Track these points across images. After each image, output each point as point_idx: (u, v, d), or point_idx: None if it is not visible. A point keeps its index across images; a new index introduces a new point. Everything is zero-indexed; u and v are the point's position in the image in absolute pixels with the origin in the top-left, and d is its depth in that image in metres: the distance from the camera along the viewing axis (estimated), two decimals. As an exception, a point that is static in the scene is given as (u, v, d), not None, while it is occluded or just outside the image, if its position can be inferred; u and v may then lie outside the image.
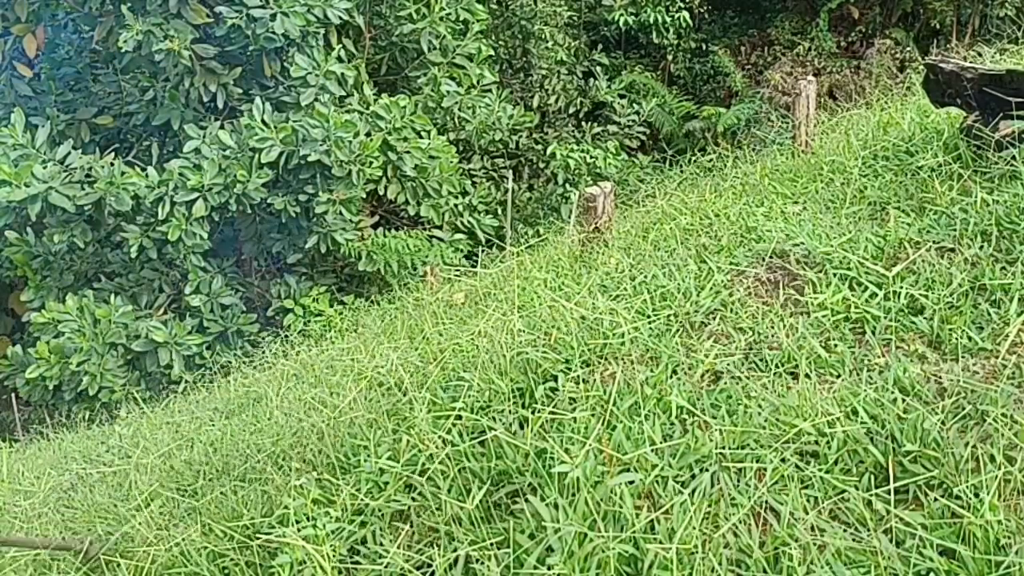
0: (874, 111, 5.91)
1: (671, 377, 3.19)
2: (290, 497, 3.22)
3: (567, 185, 13.14)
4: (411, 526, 3.02)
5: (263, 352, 7.12)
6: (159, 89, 10.44)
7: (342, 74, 10.33)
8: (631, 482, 2.70)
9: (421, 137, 10.54)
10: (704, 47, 16.18)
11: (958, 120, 4.43)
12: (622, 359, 3.32)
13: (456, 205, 11.93)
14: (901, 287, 3.39)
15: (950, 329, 3.15)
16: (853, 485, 2.59)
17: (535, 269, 4.71)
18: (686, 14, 15.05)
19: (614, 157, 13.19)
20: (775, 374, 3.13)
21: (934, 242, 3.65)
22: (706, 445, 2.79)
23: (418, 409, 3.24)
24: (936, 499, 2.50)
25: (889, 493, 2.52)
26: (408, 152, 10.34)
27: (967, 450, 2.59)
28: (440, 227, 11.55)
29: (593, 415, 3.00)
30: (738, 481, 2.67)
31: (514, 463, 2.93)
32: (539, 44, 14.54)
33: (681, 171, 6.71)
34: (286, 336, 8.41)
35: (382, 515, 3.09)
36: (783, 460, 2.71)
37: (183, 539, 3.47)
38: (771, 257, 3.84)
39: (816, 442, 2.76)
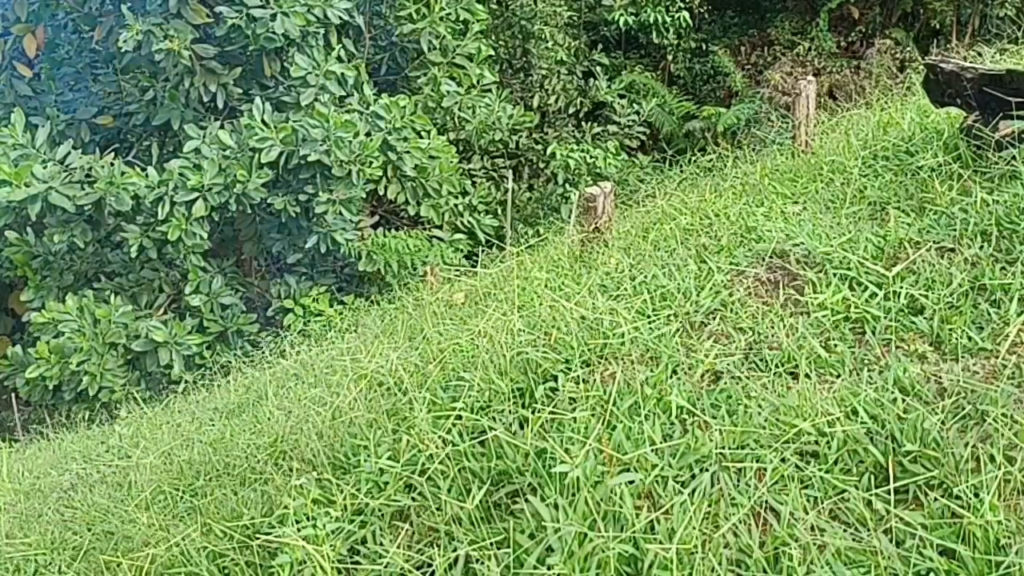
0: (874, 111, 5.91)
1: (671, 377, 3.19)
2: (290, 497, 3.22)
3: (567, 185, 13.15)
4: (411, 526, 3.02)
5: (263, 352, 7.12)
6: (159, 89, 10.45)
7: (342, 74, 10.34)
8: (631, 482, 2.70)
9: (421, 137, 10.54)
10: (704, 47, 16.18)
11: (958, 120, 4.43)
12: (622, 359, 3.32)
13: (456, 205, 11.93)
14: (901, 287, 3.39)
15: (950, 329, 3.15)
16: (853, 485, 2.59)
17: (535, 269, 4.71)
18: (686, 14, 15.05)
19: (614, 157, 13.19)
20: (775, 374, 3.13)
21: (934, 242, 3.65)
22: (706, 445, 2.79)
23: (418, 409, 3.24)
24: (936, 499, 2.50)
25: (889, 493, 2.52)
26: (408, 152, 10.34)
27: (967, 450, 2.59)
28: (440, 227, 11.56)
29: (593, 415, 3.00)
30: (738, 481, 2.67)
31: (514, 463, 2.93)
32: (539, 44, 14.54)
33: (681, 171, 6.71)
34: (286, 336, 8.41)
35: (382, 515, 3.09)
36: (783, 460, 2.71)
37: (183, 539, 3.47)
38: (771, 257, 3.84)
39: (816, 442, 2.76)
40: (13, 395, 9.96)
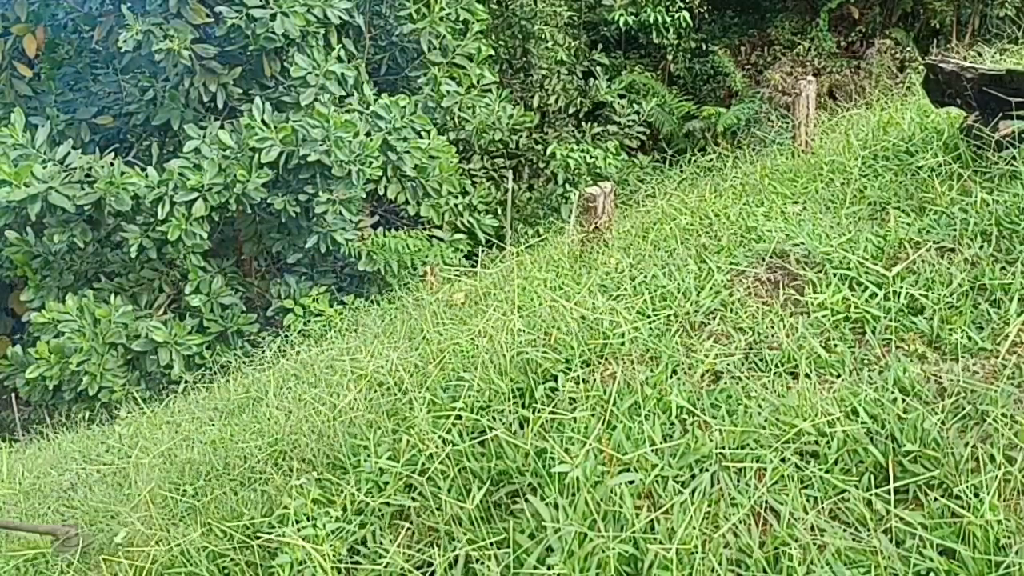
0: (874, 111, 5.91)
1: (671, 377, 3.19)
2: (290, 497, 3.22)
3: (567, 185, 13.15)
4: (411, 526, 3.02)
5: (263, 352, 7.12)
6: (159, 89, 10.45)
7: (342, 74, 10.33)
8: (631, 482, 2.70)
9: (421, 137, 10.54)
10: (704, 47, 16.18)
11: (958, 120, 4.43)
12: (622, 359, 3.32)
13: (456, 205, 11.93)
14: (901, 287, 3.39)
15: (950, 329, 3.15)
16: (853, 485, 2.59)
17: (535, 269, 4.71)
18: (686, 14, 15.05)
19: (614, 157, 13.19)
20: (775, 374, 3.13)
21: (934, 242, 3.65)
22: (706, 445, 2.79)
23: (418, 409, 3.24)
24: (936, 499, 2.50)
25: (889, 493, 2.52)
26: (408, 152, 10.34)
27: (967, 450, 2.59)
28: (440, 227, 11.56)
29: (593, 415, 3.00)
30: (738, 481, 2.67)
31: (514, 463, 2.93)
32: (539, 44, 14.54)
33: (681, 171, 6.71)
34: (286, 336, 8.41)
35: (382, 515, 3.09)
36: (783, 460, 2.71)
37: (183, 539, 3.47)
38: (771, 257, 3.84)
39: (816, 442, 2.76)
40: (13, 395, 9.96)
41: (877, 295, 3.41)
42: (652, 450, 2.78)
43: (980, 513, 2.38)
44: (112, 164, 9.83)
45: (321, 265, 11.10)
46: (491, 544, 2.70)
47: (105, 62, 11.14)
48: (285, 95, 10.47)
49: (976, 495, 2.45)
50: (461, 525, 2.85)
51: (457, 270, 7.25)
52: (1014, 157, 3.94)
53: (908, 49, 14.57)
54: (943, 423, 2.72)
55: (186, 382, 8.21)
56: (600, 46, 15.72)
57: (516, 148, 14.11)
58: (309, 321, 9.86)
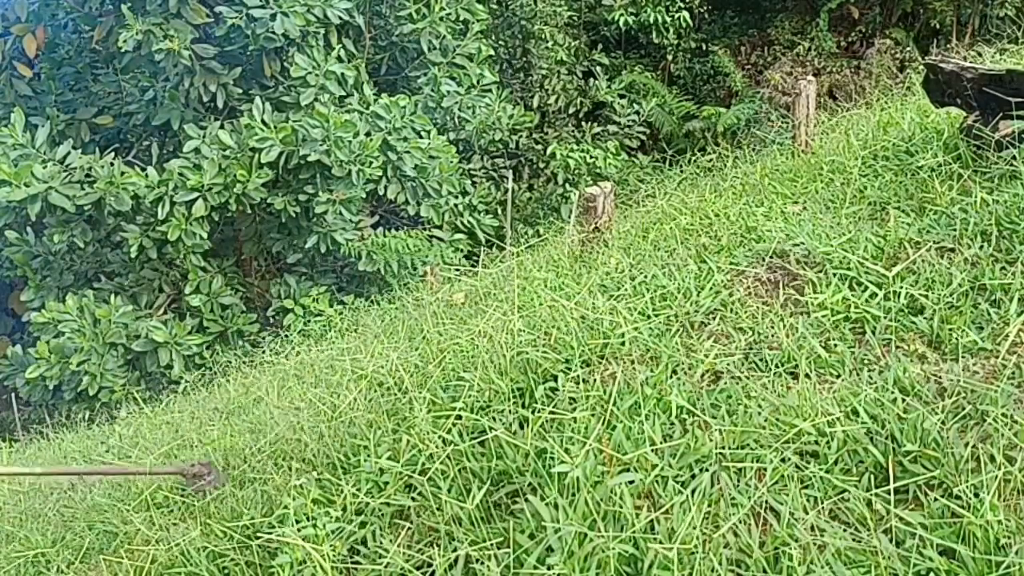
0: (874, 111, 5.91)
1: (671, 377, 3.19)
2: (290, 497, 3.22)
3: (567, 185, 13.15)
4: (411, 526, 3.02)
5: (263, 352, 7.12)
6: (159, 89, 10.45)
7: (342, 74, 10.33)
8: (631, 482, 2.70)
9: (421, 137, 10.54)
10: (704, 47, 16.18)
11: (958, 120, 4.43)
12: (622, 359, 3.32)
13: (456, 205, 11.93)
14: (901, 287, 3.39)
15: (950, 329, 3.15)
16: (853, 485, 2.59)
17: (535, 269, 4.71)
18: (686, 14, 15.06)
19: (614, 157, 13.20)
20: (775, 374, 3.13)
21: (934, 242, 3.65)
22: (706, 445, 2.79)
23: (418, 409, 3.24)
24: (936, 499, 2.50)
25: (889, 493, 2.52)
26: (408, 152, 10.34)
27: (967, 450, 2.59)
28: (440, 227, 11.56)
29: (593, 415, 3.00)
30: (738, 481, 2.67)
31: (514, 463, 2.93)
32: (539, 44, 14.54)
33: (681, 171, 6.71)
34: (286, 336, 8.41)
35: (382, 515, 3.09)
36: (783, 460, 2.71)
37: (183, 539, 3.47)
38: (771, 257, 3.84)
39: (816, 442, 2.76)
40: (13, 395, 9.96)
41: (877, 295, 3.41)
42: (652, 450, 2.78)
43: (980, 513, 2.38)
44: (112, 164, 9.83)
45: (321, 265, 11.10)
46: (491, 544, 2.70)
47: (105, 62, 11.14)
48: (285, 95, 10.48)
49: (976, 495, 2.45)
50: (461, 525, 2.85)
51: (457, 270, 7.25)
52: (1014, 157, 3.94)
53: (908, 49, 14.57)
54: (943, 423, 2.72)
55: (186, 382, 8.22)
56: (600, 46, 15.72)
57: (516, 148, 14.11)
58: (309, 321, 9.87)
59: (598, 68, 15.20)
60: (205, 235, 9.73)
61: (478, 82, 11.82)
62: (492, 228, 12.16)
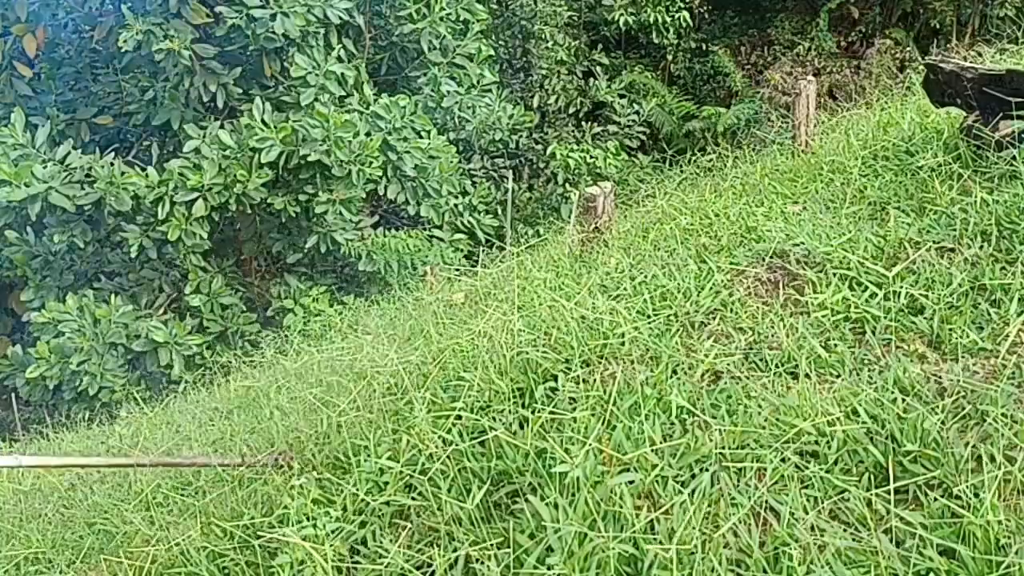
0: (874, 111, 5.90)
1: (671, 377, 3.19)
2: (290, 497, 3.22)
3: (567, 185, 13.16)
4: (411, 526, 3.02)
5: (263, 352, 7.12)
6: (159, 89, 10.45)
7: (342, 74, 10.33)
8: (631, 482, 2.70)
9: (421, 137, 10.54)
10: (704, 47, 16.19)
11: (958, 120, 4.42)
12: (622, 359, 3.32)
13: (456, 205, 11.93)
14: (901, 287, 3.39)
15: (950, 329, 3.15)
16: (853, 485, 2.59)
17: (535, 269, 4.70)
18: (686, 14, 15.06)
19: (614, 157, 13.20)
20: (775, 374, 3.13)
21: (934, 242, 3.64)
22: (706, 445, 2.79)
23: (418, 409, 3.24)
24: (936, 499, 2.50)
25: (889, 493, 2.52)
26: (408, 152, 10.34)
27: (967, 450, 2.59)
28: (440, 227, 11.56)
29: (593, 415, 3.00)
30: (738, 481, 2.67)
31: (514, 463, 2.93)
32: (539, 44, 14.54)
33: (681, 171, 6.70)
34: (286, 336, 8.40)
35: (382, 515, 3.09)
36: (783, 460, 2.71)
37: (183, 539, 3.47)
38: (771, 257, 3.84)
39: (816, 442, 2.76)
40: (13, 395, 9.95)
41: (877, 295, 3.40)
42: (652, 450, 2.78)
43: (980, 513, 2.38)
44: (112, 164, 9.83)
45: (321, 265, 11.10)
46: (491, 544, 2.70)
47: (105, 62, 11.13)
48: (285, 95, 10.47)
49: (976, 495, 2.45)
50: (461, 525, 2.85)
51: (457, 270, 7.25)
52: (1014, 157, 3.94)
53: (908, 49, 14.58)
54: (943, 423, 2.72)
55: (186, 382, 8.22)
56: (600, 46, 15.72)
57: (516, 148, 14.11)
58: (309, 321, 9.87)
59: (598, 68, 15.20)
60: (205, 235, 9.73)
61: (478, 82, 11.82)
62: (492, 228, 12.16)
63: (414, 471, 3.05)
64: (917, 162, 4.35)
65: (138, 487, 4.18)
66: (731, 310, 3.55)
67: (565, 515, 2.63)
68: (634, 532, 2.54)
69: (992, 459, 2.53)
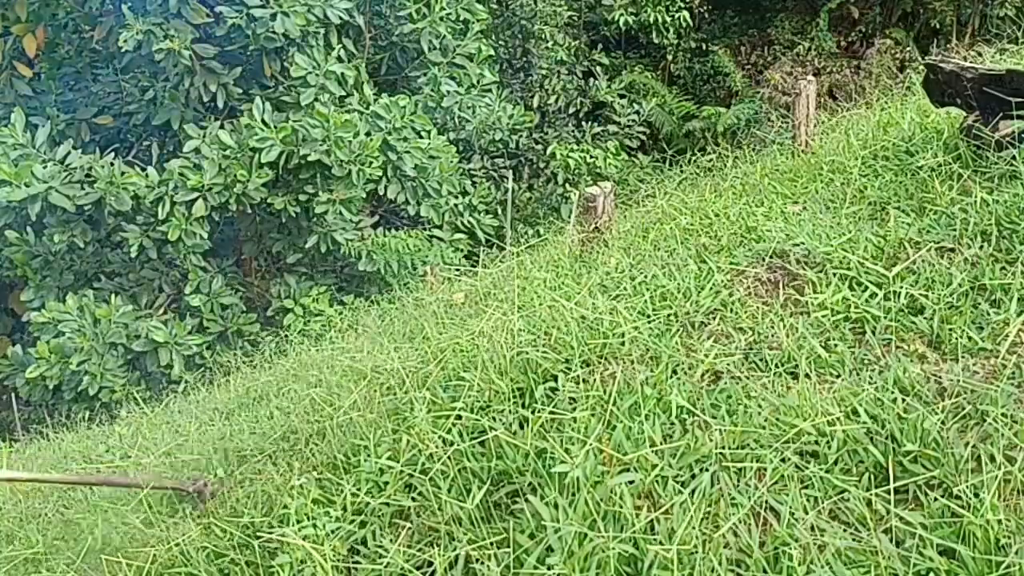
0: (874, 111, 5.90)
1: (671, 377, 3.19)
2: (290, 497, 3.22)
3: (567, 185, 13.16)
4: (411, 526, 3.02)
5: (263, 352, 7.12)
6: (159, 89, 10.45)
7: (342, 74, 10.33)
8: (631, 482, 2.70)
9: (421, 137, 10.54)
10: (704, 47, 16.19)
11: (958, 120, 4.42)
12: (622, 359, 3.32)
13: (456, 205, 11.93)
14: (901, 287, 3.39)
15: (950, 329, 3.15)
16: (853, 485, 2.59)
17: (535, 269, 4.70)
18: (686, 14, 15.06)
19: (614, 157, 13.20)
20: (775, 374, 3.13)
21: (934, 242, 3.64)
22: (706, 445, 2.79)
23: (418, 409, 3.24)
24: (936, 499, 2.50)
25: (889, 493, 2.52)
26: (408, 152, 10.34)
27: (967, 450, 2.59)
28: (440, 227, 11.55)
29: (593, 415, 3.00)
30: (738, 481, 2.67)
31: (514, 463, 2.93)
32: (539, 44, 14.54)
33: (681, 171, 6.70)
34: (286, 336, 8.41)
35: (382, 515, 3.09)
36: (783, 460, 2.71)
37: (183, 539, 3.47)
38: (771, 257, 3.84)
39: (816, 442, 2.76)
40: (13, 395, 9.96)
41: (877, 295, 3.40)
42: (652, 450, 2.78)
43: (980, 513, 2.38)
44: (112, 164, 9.83)
45: (321, 265, 11.10)
46: (491, 544, 2.70)
47: (105, 62, 11.14)
48: (285, 95, 10.47)
49: (976, 495, 2.45)
50: (461, 525, 2.85)
51: (457, 270, 7.25)
52: (1014, 157, 3.94)
53: (908, 49, 14.58)
54: (943, 423, 2.72)
55: (186, 382, 8.22)
56: (600, 46, 15.72)
57: (516, 148, 14.11)
58: (309, 321, 9.87)
59: (598, 68, 15.20)
60: (205, 235, 9.73)
61: (478, 82, 11.82)
62: (492, 228, 12.16)
63: (414, 471, 3.06)
64: (917, 162, 4.35)
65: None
66: (731, 310, 3.55)
67: (565, 515, 2.63)
68: (634, 532, 2.54)
69: (992, 459, 2.53)
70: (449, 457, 3.02)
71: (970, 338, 3.09)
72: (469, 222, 12.07)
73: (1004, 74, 4.08)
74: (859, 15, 15.43)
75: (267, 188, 9.77)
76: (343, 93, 10.49)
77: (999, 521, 2.37)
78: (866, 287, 3.47)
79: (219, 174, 9.58)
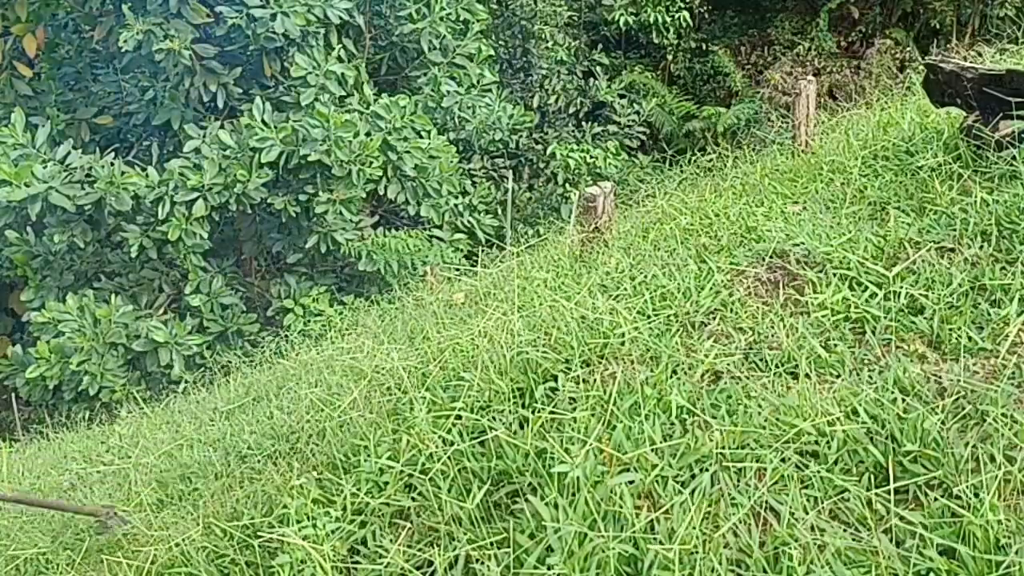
0: (874, 111, 5.90)
1: (671, 377, 3.19)
2: (290, 497, 3.22)
3: (567, 185, 13.15)
4: (411, 526, 3.02)
5: (263, 352, 7.12)
6: (159, 89, 10.45)
7: (342, 74, 10.33)
8: (631, 482, 2.70)
9: (421, 137, 10.54)
10: (704, 47, 16.18)
11: (958, 120, 4.42)
12: (622, 359, 3.32)
13: (456, 205, 11.93)
14: (901, 287, 3.39)
15: (950, 329, 3.15)
16: (853, 485, 2.59)
17: (535, 269, 4.70)
18: (686, 14, 15.06)
19: (614, 157, 13.20)
20: (775, 374, 3.13)
21: (934, 242, 3.64)
22: (706, 445, 2.79)
23: (418, 409, 3.24)
24: (936, 499, 2.50)
25: (889, 493, 2.52)
26: (408, 152, 10.34)
27: (967, 450, 2.59)
28: (440, 227, 11.55)
29: (593, 415, 3.00)
30: (738, 481, 2.67)
31: (514, 463, 2.93)
32: (539, 44, 14.54)
33: (681, 171, 6.70)
34: (286, 336, 8.40)
35: (382, 515, 3.09)
36: (783, 460, 2.71)
37: (183, 539, 3.47)
38: (771, 257, 3.84)
39: (816, 442, 2.76)
40: (13, 395, 9.95)
41: (877, 295, 3.40)
42: (652, 450, 2.78)
43: (980, 513, 2.38)
44: (112, 164, 9.83)
45: (321, 265, 11.10)
46: (491, 544, 2.71)
47: (105, 62, 11.14)
48: (285, 95, 10.47)
49: (976, 495, 2.45)
50: (461, 525, 2.85)
51: (457, 270, 7.25)
52: (1014, 157, 3.94)
53: (908, 49, 14.58)
54: (943, 423, 2.72)
55: (186, 382, 8.21)
56: (600, 46, 15.71)
57: (516, 148, 14.10)
58: (309, 321, 9.87)
59: (598, 68, 15.19)
60: (205, 235, 9.73)
61: (478, 82, 11.82)
62: (492, 228, 12.16)
63: (414, 471, 3.06)
64: (917, 162, 4.35)
65: (139, 488, 4.18)
66: (731, 310, 3.55)
67: (565, 515, 2.63)
68: (634, 532, 2.54)
69: (992, 459, 2.53)
70: (449, 457, 3.02)
71: (970, 338, 3.09)
72: (469, 222, 12.07)
73: (1004, 74, 4.08)
74: (859, 15, 15.43)
75: (267, 188, 9.77)
76: (343, 93, 10.49)
77: (999, 521, 2.37)
78: (866, 287, 3.47)
79: (219, 174, 9.58)
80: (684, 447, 2.81)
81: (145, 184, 9.55)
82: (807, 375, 3.06)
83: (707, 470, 2.71)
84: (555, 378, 3.28)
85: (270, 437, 4.05)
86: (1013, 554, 2.30)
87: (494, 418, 3.14)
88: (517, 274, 4.39)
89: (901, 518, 2.46)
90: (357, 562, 2.98)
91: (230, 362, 7.34)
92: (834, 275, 3.57)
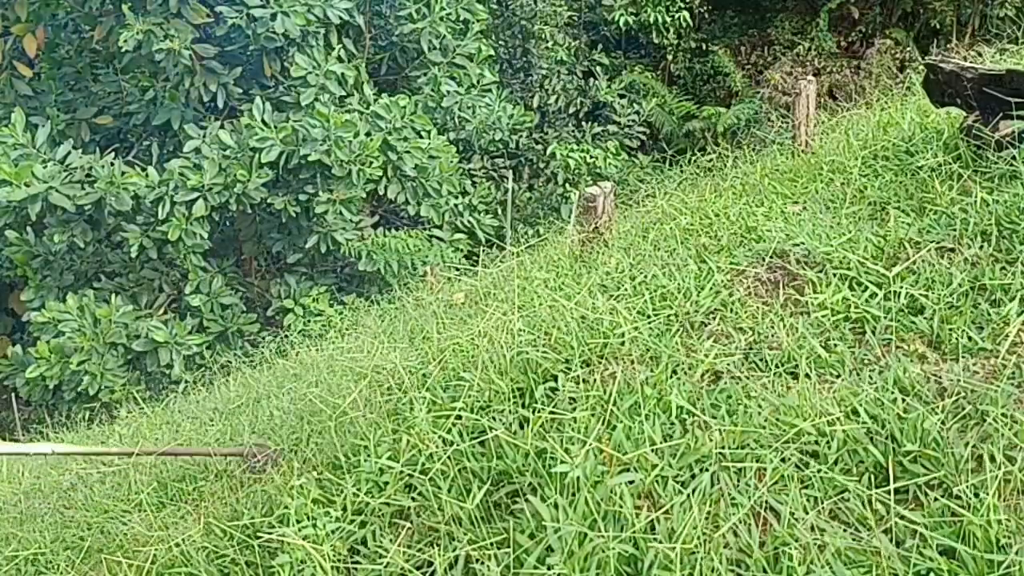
0: (874, 111, 5.90)
1: (671, 377, 3.19)
2: (290, 497, 3.22)
3: (567, 185, 13.16)
4: (411, 526, 3.02)
5: (263, 352, 7.12)
6: (159, 89, 10.45)
7: (342, 74, 10.34)
8: (631, 482, 2.70)
9: (421, 137, 10.54)
10: (704, 47, 16.17)
11: (958, 120, 4.42)
12: (622, 359, 3.32)
13: (456, 205, 11.93)
14: (901, 287, 3.39)
15: (950, 329, 3.15)
16: (853, 485, 2.59)
17: (535, 269, 4.70)
18: (686, 14, 15.06)
19: (614, 157, 13.20)
20: (775, 374, 3.13)
21: (934, 242, 3.64)
22: (706, 445, 2.79)
23: (418, 409, 3.24)
24: (936, 499, 2.50)
25: (889, 493, 2.52)
26: (408, 152, 10.34)
27: (967, 450, 2.59)
28: (440, 227, 11.56)
29: (593, 415, 3.00)
30: (738, 481, 2.67)
31: (514, 463, 2.93)
32: (539, 44, 14.54)
33: (681, 171, 6.70)
34: (286, 336, 8.41)
35: (382, 515, 3.09)
36: (783, 460, 2.71)
37: (183, 539, 3.47)
38: (771, 257, 3.84)
39: (816, 442, 2.76)
40: (13, 395, 9.96)
41: (877, 295, 3.40)
42: (652, 450, 2.78)
43: (980, 513, 2.38)
44: (112, 164, 9.84)
45: (321, 265, 11.11)
46: (491, 544, 2.71)
47: (105, 62, 11.14)
48: (285, 95, 10.48)
49: (976, 495, 2.45)
50: (461, 525, 2.85)
51: (457, 270, 7.25)
52: (1014, 157, 3.94)
53: (908, 49, 14.57)
54: (943, 423, 2.72)
55: (186, 382, 8.22)
56: (600, 46, 15.71)
57: (516, 148, 14.11)
58: (309, 321, 9.87)
59: (598, 68, 15.19)
60: (205, 235, 9.74)
61: (478, 82, 11.82)
62: (492, 228, 12.16)
63: (414, 471, 3.06)
64: (917, 162, 4.35)
65: (139, 487, 4.18)
66: (731, 310, 3.55)
67: (565, 515, 2.63)
68: (634, 532, 2.54)
69: (992, 459, 2.53)
70: (449, 457, 3.02)
71: (970, 338, 3.09)
72: (469, 222, 12.07)
73: (1004, 74, 4.08)
74: (859, 15, 15.43)
75: (267, 188, 9.78)
76: (343, 93, 10.50)
77: (999, 521, 2.37)
78: (866, 287, 3.47)
79: (219, 174, 9.59)
80: (684, 447, 2.81)
81: (145, 184, 9.56)
82: (807, 375, 3.06)
83: (707, 470, 2.71)
84: (555, 378, 3.28)
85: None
86: (1013, 554, 2.30)
87: (494, 418, 3.14)
88: (517, 274, 4.39)
89: (901, 518, 2.46)
90: (357, 562, 2.98)
91: (230, 362, 7.34)
92: (834, 275, 3.57)
